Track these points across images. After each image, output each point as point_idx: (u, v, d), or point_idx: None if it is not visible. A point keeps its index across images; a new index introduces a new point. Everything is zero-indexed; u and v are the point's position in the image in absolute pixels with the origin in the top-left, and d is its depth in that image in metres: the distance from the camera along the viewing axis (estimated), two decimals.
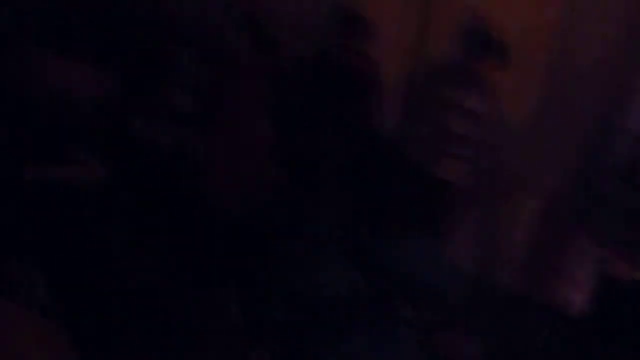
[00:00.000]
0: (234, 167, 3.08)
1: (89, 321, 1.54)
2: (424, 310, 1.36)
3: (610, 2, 3.03)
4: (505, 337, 2.76)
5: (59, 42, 2.48)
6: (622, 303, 2.60)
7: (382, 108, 3.24)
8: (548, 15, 3.12)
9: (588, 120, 3.16)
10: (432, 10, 3.24)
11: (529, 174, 3.34)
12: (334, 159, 3.12)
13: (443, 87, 3.05)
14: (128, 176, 2.63)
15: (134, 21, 3.20)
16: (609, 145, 3.09)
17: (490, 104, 3.05)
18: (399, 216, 3.10)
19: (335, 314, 1.20)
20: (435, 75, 3.13)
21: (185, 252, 2.50)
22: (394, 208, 3.03)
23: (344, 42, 3.10)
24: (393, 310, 1.27)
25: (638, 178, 2.83)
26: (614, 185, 2.90)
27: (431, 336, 1.42)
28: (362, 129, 3.19)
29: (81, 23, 2.82)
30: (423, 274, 1.35)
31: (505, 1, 3.11)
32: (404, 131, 3.29)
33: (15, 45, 2.46)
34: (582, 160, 3.18)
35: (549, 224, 3.28)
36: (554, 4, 3.10)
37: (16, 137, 2.14)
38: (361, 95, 3.18)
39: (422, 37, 3.29)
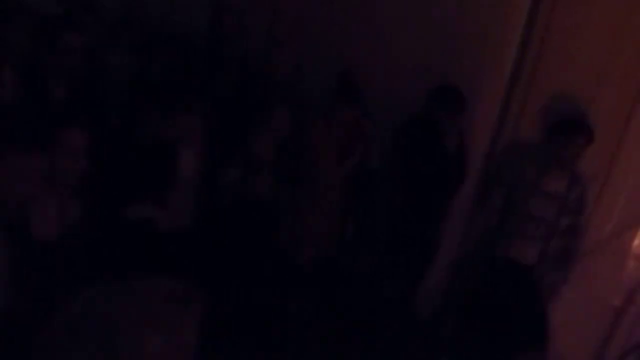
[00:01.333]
0: (309, 221, 3.23)
1: None
2: None
3: None
4: None
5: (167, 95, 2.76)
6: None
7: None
8: None
9: None
10: (522, 87, 3.23)
11: None
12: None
13: (526, 168, 3.03)
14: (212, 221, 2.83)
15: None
16: None
17: (574, 187, 2.98)
18: None
19: None
20: (519, 156, 3.11)
21: None
22: None
23: (444, 116, 3.14)
24: None
25: None
26: None
27: None
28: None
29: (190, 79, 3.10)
30: None
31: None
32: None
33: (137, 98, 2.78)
34: None
35: None
36: None
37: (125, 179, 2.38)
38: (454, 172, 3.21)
39: (507, 115, 3.29)
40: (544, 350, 3.03)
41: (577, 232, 3.04)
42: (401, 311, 3.42)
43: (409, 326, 3.43)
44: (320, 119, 3.25)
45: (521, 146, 3.22)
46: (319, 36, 3.72)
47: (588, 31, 3.00)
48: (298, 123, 3.19)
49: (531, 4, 3.11)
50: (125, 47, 3.31)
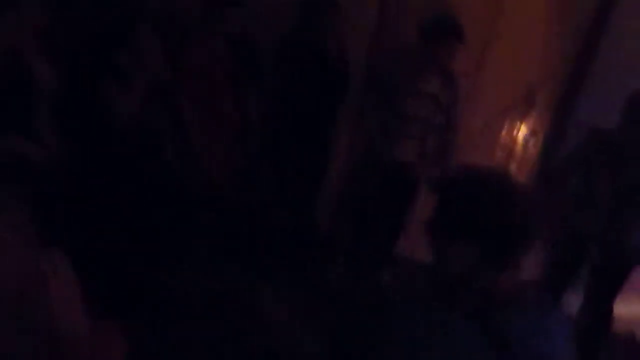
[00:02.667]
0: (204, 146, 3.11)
1: None
2: None
3: None
4: None
5: None
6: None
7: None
8: None
9: None
10: None
11: None
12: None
13: (403, 71, 3.10)
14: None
15: None
16: None
17: (449, 87, 3.11)
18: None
19: None
20: (395, 59, 3.16)
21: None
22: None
23: (317, 24, 3.09)
24: None
25: None
26: None
27: None
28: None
29: None
30: None
31: None
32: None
33: None
34: None
35: None
36: None
37: None
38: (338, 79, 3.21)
39: (382, 20, 3.32)
40: None
41: (453, 128, 3.22)
42: (297, 223, 3.49)
43: (306, 238, 3.51)
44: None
45: (397, 46, 3.30)
46: None
47: None
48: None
49: None
50: None
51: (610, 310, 2.82)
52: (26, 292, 1.08)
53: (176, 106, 2.98)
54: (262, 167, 3.28)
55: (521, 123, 3.45)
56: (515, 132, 3.47)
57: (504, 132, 3.47)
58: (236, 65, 3.08)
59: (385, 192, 3.27)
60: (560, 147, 3.19)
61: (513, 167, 3.49)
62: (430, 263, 1.16)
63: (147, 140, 2.83)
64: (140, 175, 2.72)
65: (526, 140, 3.46)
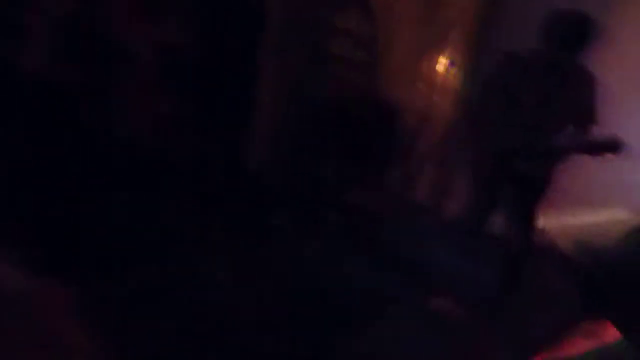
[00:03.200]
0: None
1: None
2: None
3: None
4: None
5: None
6: None
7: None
8: None
9: None
10: None
11: None
12: None
13: (321, 8, 3.03)
14: None
15: None
16: None
17: (368, 23, 3.08)
18: None
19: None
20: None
21: None
22: None
23: None
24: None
25: None
26: None
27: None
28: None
29: None
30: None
31: None
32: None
33: None
34: None
35: None
36: None
37: None
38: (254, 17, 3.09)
39: None
40: None
41: (374, 64, 3.22)
42: (229, 167, 3.41)
43: (238, 182, 3.45)
44: None
45: None
46: None
47: None
48: None
49: None
50: None
51: (533, 224, 3.01)
52: None
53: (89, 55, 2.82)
54: (186, 112, 3.18)
55: (440, 54, 3.49)
56: (435, 64, 3.51)
57: (425, 65, 3.51)
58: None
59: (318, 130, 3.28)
60: (478, 74, 3.27)
61: (436, 98, 3.56)
62: None
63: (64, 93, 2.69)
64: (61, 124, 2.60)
65: (447, 70, 3.51)
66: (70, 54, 2.71)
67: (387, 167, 3.39)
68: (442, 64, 3.50)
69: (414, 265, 2.87)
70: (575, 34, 2.56)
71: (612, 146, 2.32)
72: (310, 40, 3.07)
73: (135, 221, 2.31)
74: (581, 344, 1.53)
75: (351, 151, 3.35)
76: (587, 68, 2.71)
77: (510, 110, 2.79)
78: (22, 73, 2.55)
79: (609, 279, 1.67)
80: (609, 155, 2.27)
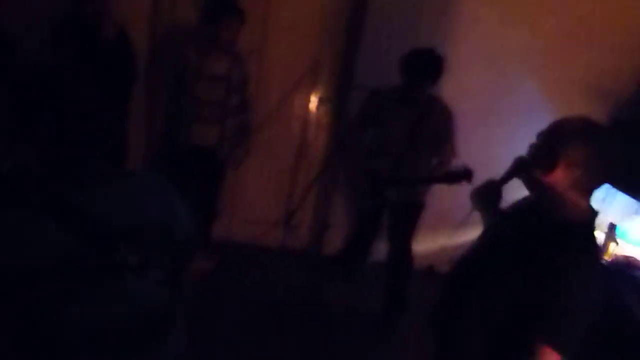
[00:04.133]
0: None
1: None
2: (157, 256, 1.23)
3: None
4: None
5: None
6: None
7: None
8: None
9: None
10: None
11: None
12: None
13: (187, 52, 3.03)
14: None
15: None
16: None
17: (235, 66, 3.12)
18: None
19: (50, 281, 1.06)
20: (179, 41, 3.07)
21: None
22: None
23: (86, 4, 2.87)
24: (120, 264, 1.14)
25: None
26: None
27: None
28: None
29: None
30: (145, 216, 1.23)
31: None
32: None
33: None
34: None
35: None
36: None
37: None
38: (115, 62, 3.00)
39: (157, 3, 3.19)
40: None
41: (247, 107, 3.26)
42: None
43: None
44: None
45: (179, 29, 3.21)
46: None
47: None
48: None
49: None
50: None
51: (409, 247, 3.17)
52: None
53: None
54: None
55: (311, 93, 3.62)
56: (306, 102, 3.64)
57: (297, 104, 3.62)
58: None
59: (188, 178, 3.21)
60: (347, 109, 3.43)
61: (310, 135, 3.67)
62: None
63: None
64: None
65: (318, 108, 3.65)
66: None
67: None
68: (313, 102, 3.63)
69: None
70: (428, 69, 2.80)
71: (464, 175, 2.53)
72: (180, 87, 3.04)
73: None
74: None
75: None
76: (442, 102, 2.96)
77: (377, 142, 2.96)
78: None
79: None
80: (464, 183, 2.47)
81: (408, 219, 3.09)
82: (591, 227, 1.58)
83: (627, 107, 3.50)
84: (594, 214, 1.58)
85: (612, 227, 3.47)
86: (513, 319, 1.58)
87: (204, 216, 3.37)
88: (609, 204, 3.76)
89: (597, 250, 1.58)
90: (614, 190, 3.59)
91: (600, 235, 3.57)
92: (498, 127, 3.49)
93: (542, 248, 1.53)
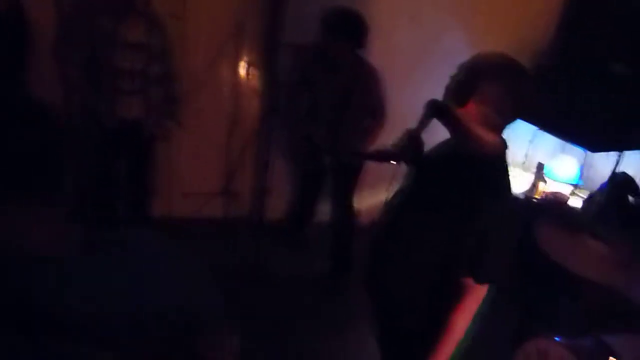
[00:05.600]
0: None
1: None
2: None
3: None
4: None
5: None
6: None
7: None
8: None
9: None
10: None
11: None
12: None
13: (99, 19, 2.82)
14: None
15: None
16: None
17: (154, 32, 2.95)
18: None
19: None
20: (89, 7, 2.85)
21: None
22: None
23: None
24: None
25: None
26: None
27: None
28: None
29: None
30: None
31: None
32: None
33: None
34: None
35: None
36: None
37: None
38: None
39: None
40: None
41: (171, 75, 3.10)
42: None
43: None
44: None
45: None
46: None
47: None
48: None
49: None
50: None
51: (351, 206, 3.19)
52: None
53: None
54: None
55: (238, 57, 3.50)
56: (234, 66, 3.52)
57: (224, 70, 3.49)
58: None
59: (114, 154, 3.07)
60: (277, 72, 3.35)
61: (242, 101, 3.57)
62: None
63: None
64: None
65: (247, 72, 3.54)
66: None
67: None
68: (242, 66, 3.52)
69: None
70: (350, 28, 2.76)
71: (393, 157, 2.56)
72: (95, 56, 2.84)
73: None
74: None
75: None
76: (369, 64, 2.93)
77: (310, 107, 2.92)
78: None
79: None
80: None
81: (348, 180, 3.11)
82: (503, 161, 1.63)
83: (548, 53, 3.62)
84: (505, 147, 1.63)
85: (540, 167, 3.64)
86: (440, 258, 1.63)
87: (138, 193, 3.24)
88: (536, 144, 3.93)
89: (509, 182, 1.63)
90: (540, 132, 3.75)
91: (529, 175, 3.74)
92: (426, 82, 3.51)
93: (459, 185, 1.57)
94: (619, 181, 3.34)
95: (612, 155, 3.40)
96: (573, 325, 2.62)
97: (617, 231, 2.90)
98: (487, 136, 1.58)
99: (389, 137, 1.88)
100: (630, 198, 3.33)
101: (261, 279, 3.16)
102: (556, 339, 2.35)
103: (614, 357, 2.11)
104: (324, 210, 3.24)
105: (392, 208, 1.84)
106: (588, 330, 2.42)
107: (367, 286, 1.93)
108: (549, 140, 3.83)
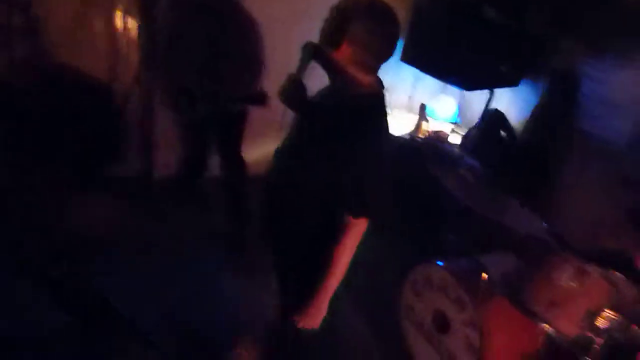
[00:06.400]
0: None
1: None
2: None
3: None
4: None
5: None
6: None
7: None
8: None
9: None
10: None
11: None
12: None
13: None
14: None
15: None
16: None
17: None
18: None
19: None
20: None
21: None
22: None
23: None
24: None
25: None
26: None
27: None
28: None
29: None
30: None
31: None
32: None
33: None
34: None
35: None
36: None
37: None
38: None
39: None
40: None
41: (37, 28, 2.85)
42: None
43: None
44: None
45: None
46: None
47: None
48: None
49: None
50: None
51: (239, 156, 3.16)
52: None
53: None
54: None
55: (112, 6, 3.28)
56: (109, 17, 3.30)
57: (97, 21, 3.26)
58: None
59: None
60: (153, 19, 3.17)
61: (120, 54, 3.38)
62: None
63: None
64: None
65: (123, 22, 3.34)
66: None
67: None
68: (117, 17, 3.30)
69: None
70: None
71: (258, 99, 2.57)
72: None
73: None
74: None
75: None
76: (245, 11, 2.84)
77: (186, 56, 2.79)
78: None
79: None
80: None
81: (232, 130, 3.05)
82: (381, 101, 1.71)
83: None
84: (381, 87, 1.71)
85: (422, 107, 3.84)
86: (325, 199, 1.70)
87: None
88: (418, 86, 4.13)
89: (387, 123, 1.71)
90: (422, 74, 3.92)
91: (413, 116, 3.93)
92: (308, 30, 3.50)
93: (339, 126, 1.63)
94: (491, 117, 3.62)
95: (486, 94, 3.67)
96: (455, 251, 2.86)
97: (491, 164, 3.16)
98: (362, 76, 1.64)
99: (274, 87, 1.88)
100: (502, 132, 3.63)
101: (158, 238, 3.10)
102: (438, 263, 2.57)
103: (486, 274, 2.36)
104: (215, 163, 3.19)
105: (281, 154, 1.87)
106: (467, 254, 2.67)
107: (262, 232, 1.98)
108: (430, 82, 4.02)
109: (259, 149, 3.53)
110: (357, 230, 1.68)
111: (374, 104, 1.70)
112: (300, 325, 1.81)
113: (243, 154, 3.16)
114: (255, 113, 3.12)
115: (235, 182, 3.17)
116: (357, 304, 2.85)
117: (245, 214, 3.24)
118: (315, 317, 1.79)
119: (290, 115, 1.85)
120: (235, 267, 3.06)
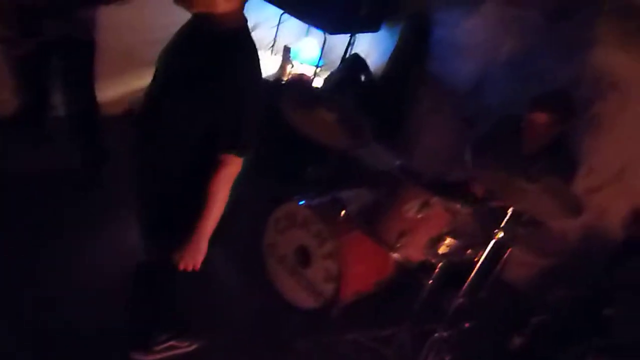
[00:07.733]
0: None
1: None
2: None
3: None
4: None
5: None
6: None
7: None
8: None
9: None
10: None
11: None
12: None
13: None
14: None
15: None
16: None
17: None
18: None
19: None
20: None
21: None
22: None
23: None
24: None
25: None
26: None
27: None
28: None
29: None
30: None
31: None
32: None
33: None
34: None
35: None
36: None
37: None
38: None
39: None
40: None
41: None
42: None
43: None
44: None
45: None
46: None
47: None
48: None
49: None
50: None
51: (90, 94, 2.89)
52: None
53: None
54: None
55: None
56: None
57: None
58: None
59: None
60: None
61: None
62: None
63: None
64: None
65: None
66: None
67: None
68: None
69: None
70: None
71: None
72: None
73: None
74: None
75: None
76: None
77: None
78: None
79: None
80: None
81: (79, 62, 2.74)
82: (245, 34, 1.68)
83: None
84: (245, 21, 1.68)
85: (287, 50, 3.82)
86: (200, 135, 1.67)
87: None
88: (282, 28, 4.09)
89: (256, 59, 1.69)
90: (286, 16, 3.88)
91: (277, 58, 3.91)
92: None
93: (206, 61, 1.59)
94: (352, 61, 3.73)
95: (348, 38, 3.75)
96: (316, 188, 2.95)
97: (350, 105, 3.27)
98: (229, 11, 1.59)
99: None
100: (362, 76, 3.76)
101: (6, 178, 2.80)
102: (300, 202, 2.65)
103: (344, 209, 2.49)
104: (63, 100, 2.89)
105: (151, 93, 1.78)
106: (328, 190, 2.78)
107: (136, 172, 1.88)
108: (294, 24, 4.00)
109: (121, 86, 3.31)
110: (233, 167, 1.68)
111: (242, 37, 1.66)
112: (182, 266, 1.79)
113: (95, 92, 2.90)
114: (112, 46, 2.89)
115: (86, 120, 2.90)
116: (225, 244, 2.85)
117: (98, 153, 3.02)
118: (195, 257, 1.78)
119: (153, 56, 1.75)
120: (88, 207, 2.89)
